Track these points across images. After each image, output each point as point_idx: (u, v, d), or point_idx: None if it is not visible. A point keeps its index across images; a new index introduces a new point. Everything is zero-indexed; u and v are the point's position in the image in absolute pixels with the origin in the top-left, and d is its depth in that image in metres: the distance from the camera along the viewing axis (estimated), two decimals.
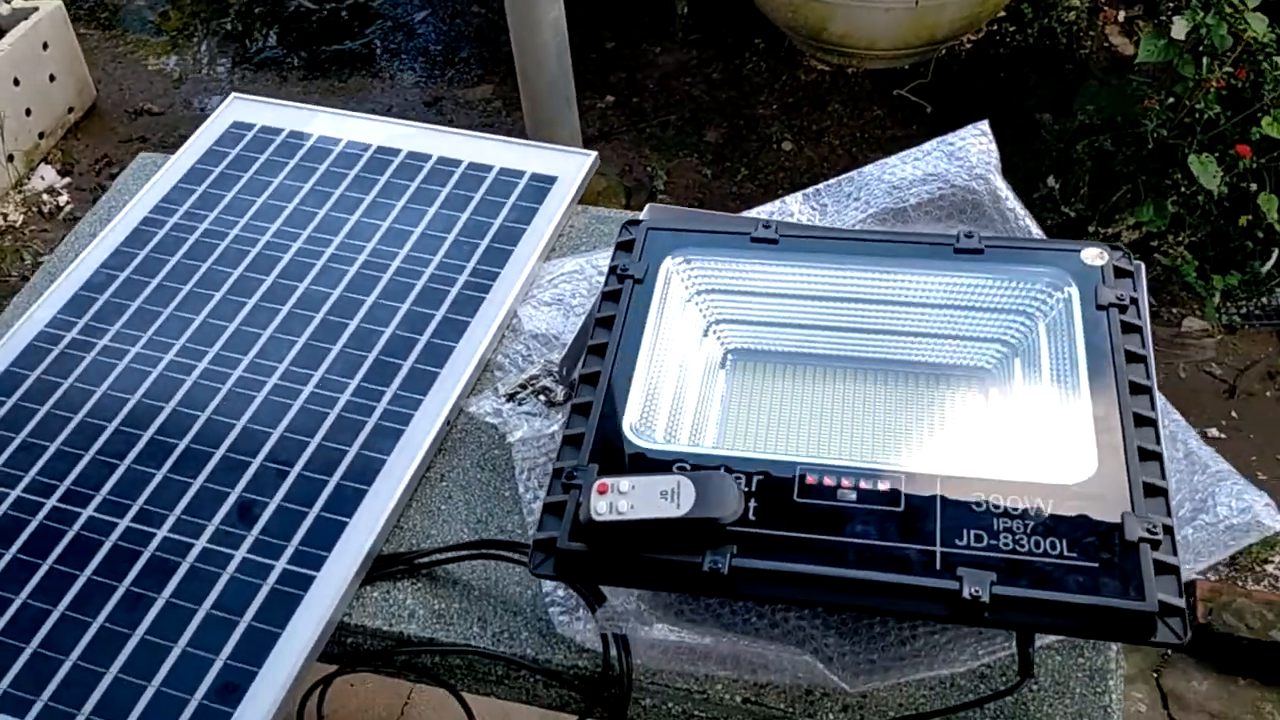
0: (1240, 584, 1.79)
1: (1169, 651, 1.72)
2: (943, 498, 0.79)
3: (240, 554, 0.91)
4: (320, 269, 1.13)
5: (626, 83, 3.07)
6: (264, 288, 1.12)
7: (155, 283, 1.13)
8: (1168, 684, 1.69)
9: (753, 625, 0.84)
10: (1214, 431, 2.09)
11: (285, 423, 1.00)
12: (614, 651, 0.83)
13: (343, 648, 0.90)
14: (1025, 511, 0.78)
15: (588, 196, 1.22)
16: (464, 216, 1.17)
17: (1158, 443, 0.81)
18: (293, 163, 1.24)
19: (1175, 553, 0.76)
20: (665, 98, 3.02)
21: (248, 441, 0.99)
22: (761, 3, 2.92)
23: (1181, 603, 0.73)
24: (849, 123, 2.88)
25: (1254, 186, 2.25)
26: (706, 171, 2.80)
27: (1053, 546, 0.76)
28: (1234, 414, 2.13)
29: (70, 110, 2.94)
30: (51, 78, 2.83)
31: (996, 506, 0.78)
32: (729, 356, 1.01)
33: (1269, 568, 1.83)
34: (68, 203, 2.77)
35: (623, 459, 0.84)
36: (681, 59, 3.13)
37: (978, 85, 2.91)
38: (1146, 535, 0.75)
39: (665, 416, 0.91)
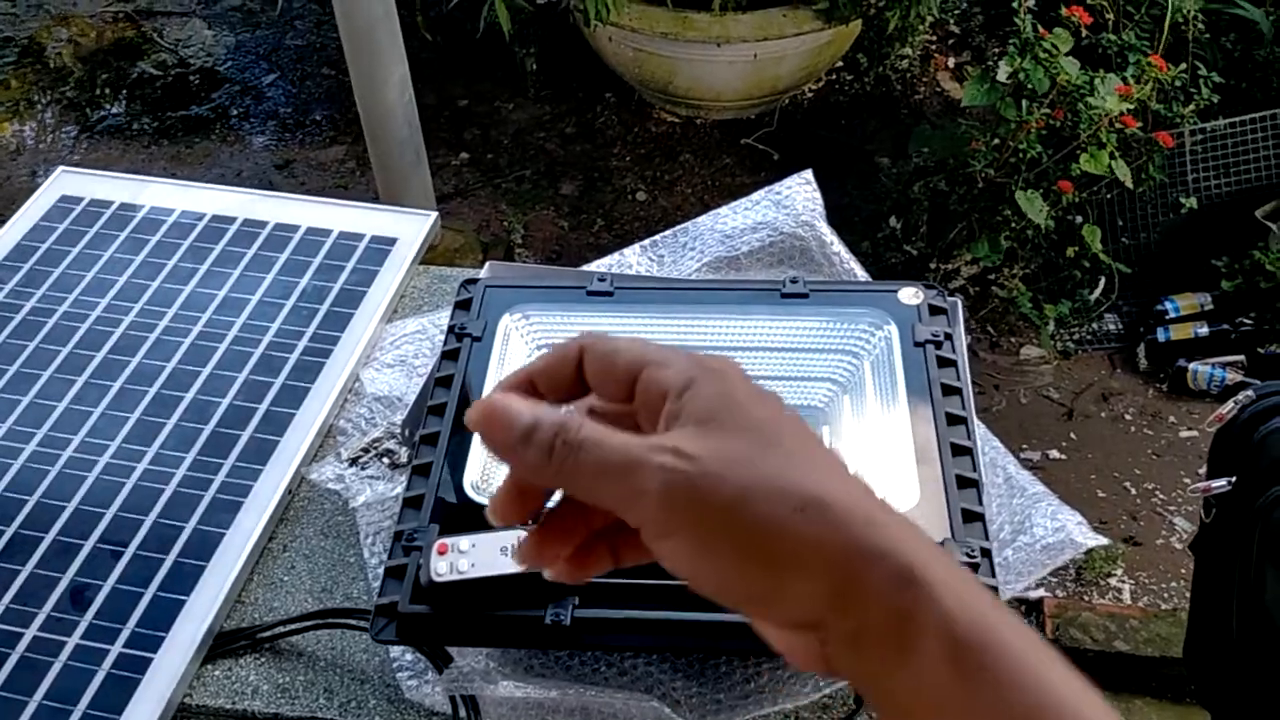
0: (1085, 599, 1.88)
1: None
2: None
3: (74, 640, 0.88)
4: (153, 342, 1.10)
5: (481, 139, 3.10)
6: (94, 364, 1.09)
7: None
8: None
9: (602, 675, 0.85)
10: (1055, 453, 2.20)
11: (119, 502, 0.97)
12: (463, 713, 0.83)
13: None
14: None
15: (443, 254, 1.23)
16: (302, 282, 1.16)
17: (975, 470, 0.86)
18: (123, 235, 1.22)
19: (994, 574, 0.79)
20: (520, 153, 3.05)
21: (79, 524, 0.96)
22: (610, 58, 2.99)
23: None
24: (700, 172, 2.96)
25: (1078, 219, 2.39)
26: (563, 224, 2.83)
27: None
28: (1073, 435, 2.24)
29: None
30: None
31: None
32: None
33: (1111, 581, 1.93)
34: None
35: (465, 518, 0.84)
36: (534, 114, 3.17)
37: (820, 132, 3.03)
38: (965, 559, 0.79)
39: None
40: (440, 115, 3.13)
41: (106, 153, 3.11)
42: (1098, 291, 2.45)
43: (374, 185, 2.51)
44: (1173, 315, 2.42)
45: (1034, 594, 1.82)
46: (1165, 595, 1.91)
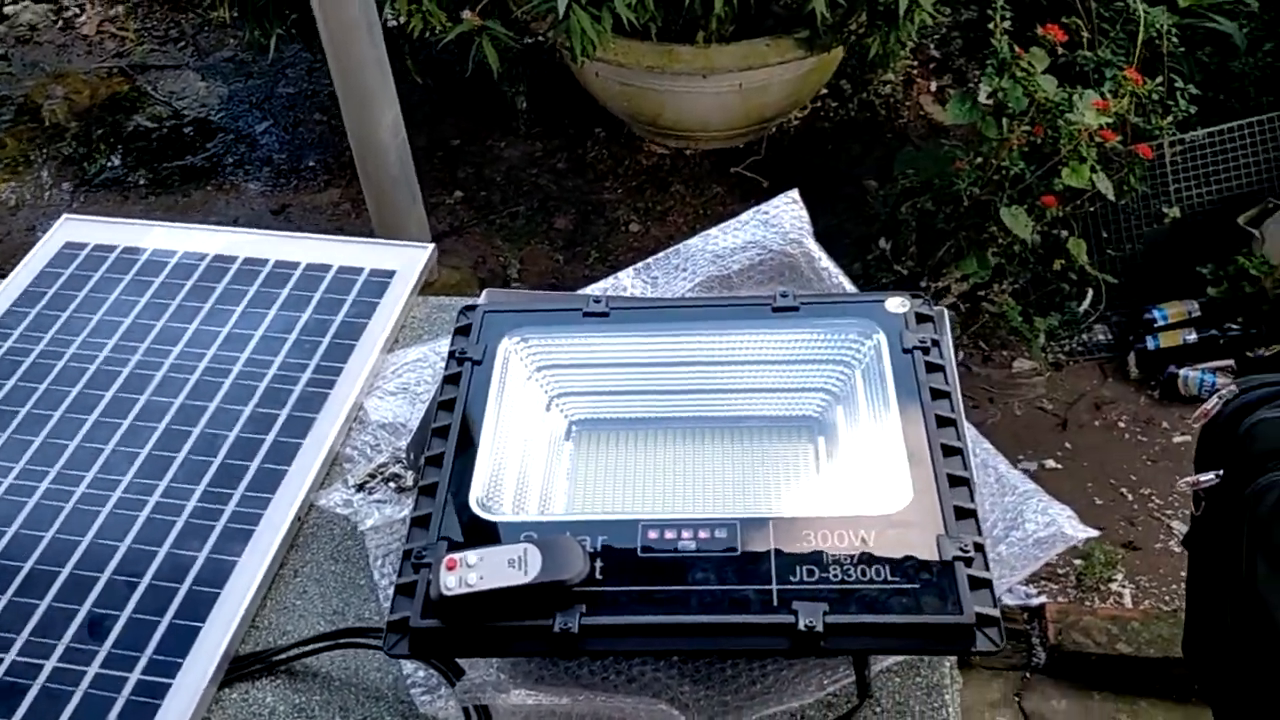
0: (1087, 604, 1.90)
1: (1028, 674, 1.80)
2: (775, 539, 0.84)
3: (93, 669, 0.90)
4: (160, 380, 1.13)
5: (474, 178, 3.14)
6: (103, 403, 1.11)
7: None
8: (1029, 706, 1.77)
9: (610, 682, 0.87)
10: (1051, 463, 2.22)
11: (132, 534, 0.99)
12: None
13: None
14: (851, 543, 0.83)
15: (443, 289, 1.25)
16: (304, 316, 1.19)
17: (965, 469, 0.88)
18: (128, 278, 1.25)
19: (987, 568, 0.82)
20: (513, 189, 3.09)
21: (94, 557, 0.98)
22: (598, 93, 3.04)
23: (996, 613, 0.79)
24: (691, 201, 3.00)
25: (1064, 233, 2.43)
26: (559, 257, 2.87)
27: (877, 573, 0.81)
28: (1068, 445, 2.27)
29: None
30: None
31: (824, 541, 0.83)
32: (573, 427, 1.05)
33: (1112, 585, 1.94)
34: None
35: (472, 534, 0.86)
36: (527, 151, 3.22)
37: (808, 158, 3.07)
38: (960, 554, 0.81)
39: (512, 490, 0.95)
40: (433, 155, 3.17)
41: (104, 206, 3.15)
42: (1086, 303, 2.49)
43: (369, 227, 2.55)
44: (1161, 323, 2.46)
45: (1035, 601, 1.84)
46: (1166, 598, 1.93)
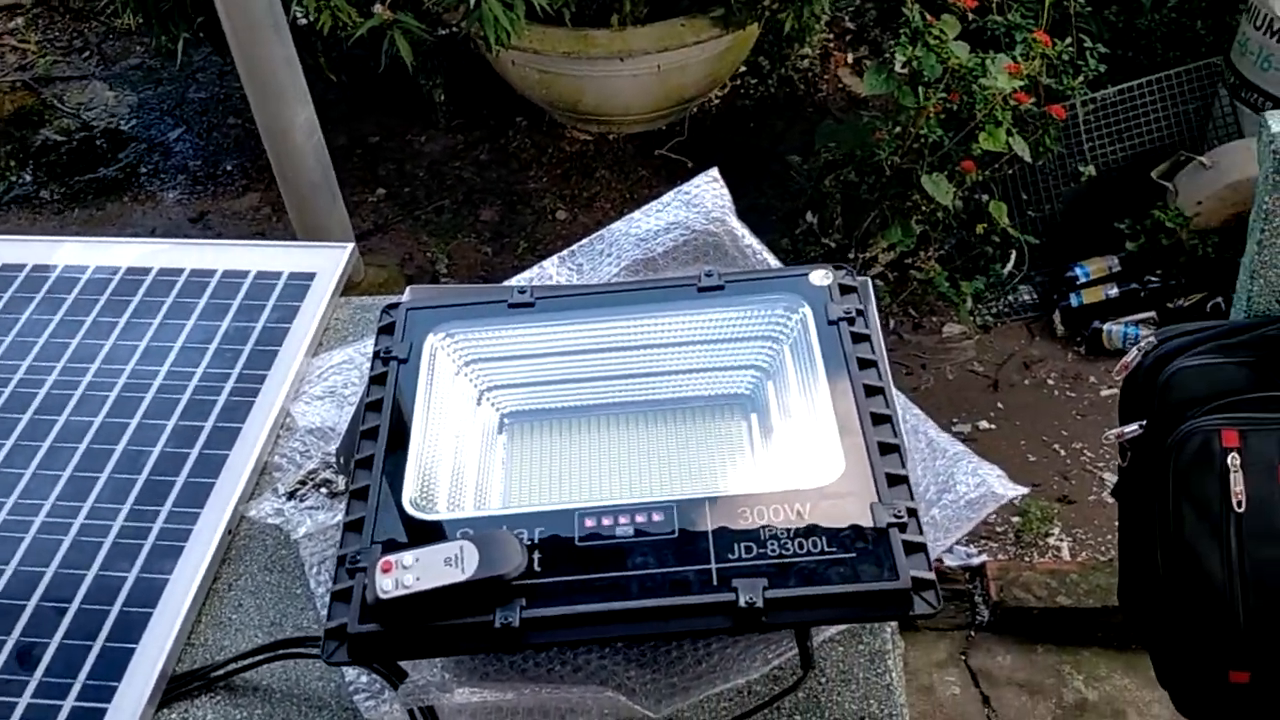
0: (1026, 559, 1.94)
1: (972, 632, 1.83)
2: (712, 518, 0.84)
3: (24, 700, 0.88)
4: (79, 399, 1.10)
5: (396, 174, 3.10)
6: (21, 426, 1.08)
7: None
8: (975, 663, 1.80)
9: (556, 673, 0.86)
10: (984, 424, 2.26)
11: (58, 559, 0.97)
12: None
13: None
14: (787, 517, 0.83)
15: (369, 290, 1.24)
16: (224, 325, 1.16)
17: (895, 435, 0.89)
18: (39, 297, 1.21)
19: (921, 532, 0.83)
20: (437, 184, 3.06)
21: (20, 584, 0.95)
22: (516, 82, 3.01)
23: (932, 576, 0.80)
24: (617, 186, 2.99)
25: (984, 197, 2.46)
26: (486, 250, 2.85)
27: (814, 545, 0.82)
28: (1000, 405, 2.31)
29: None
30: None
31: (761, 517, 0.84)
32: (504, 420, 1.04)
33: (1050, 540, 1.98)
34: None
35: (407, 535, 0.85)
36: (448, 145, 3.18)
37: (731, 137, 3.08)
38: (893, 520, 0.82)
39: (446, 487, 0.94)
40: (353, 154, 3.13)
41: (16, 224, 3.07)
42: (1010, 265, 2.53)
43: (291, 230, 2.51)
44: (1083, 280, 2.50)
45: (976, 560, 1.86)
46: (1102, 549, 1.97)
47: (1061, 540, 1.98)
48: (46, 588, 0.95)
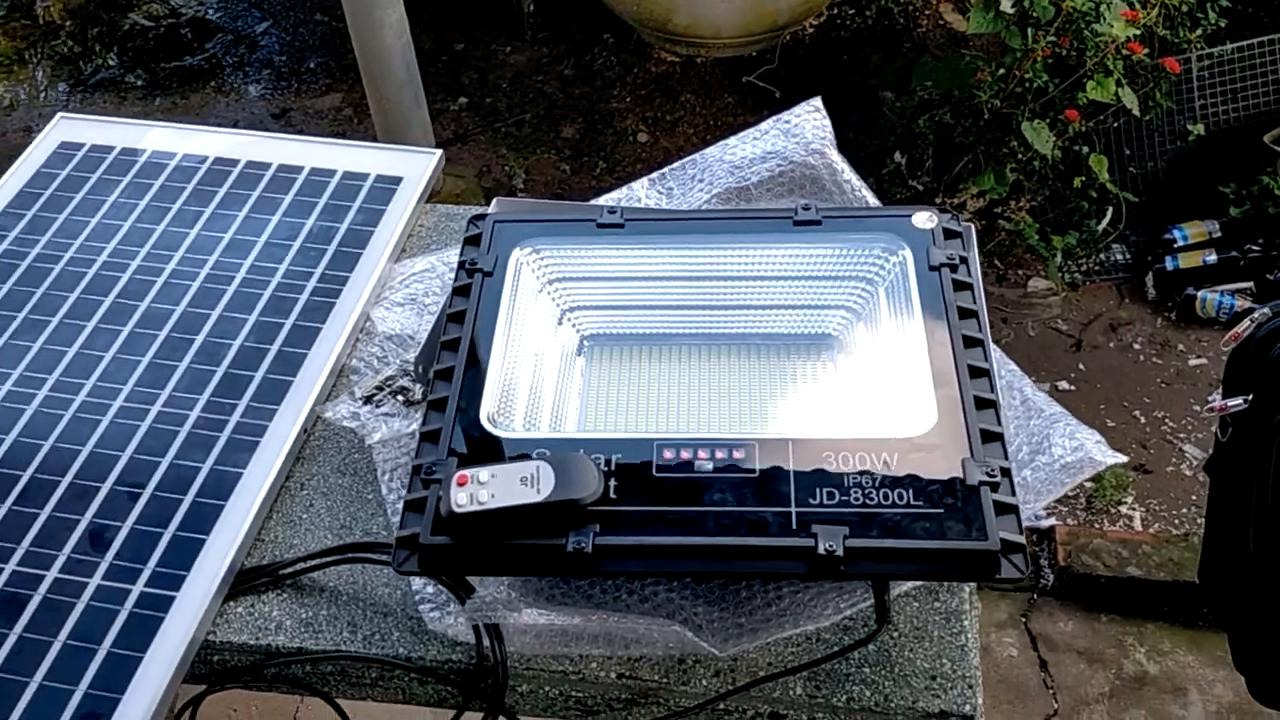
0: (1097, 526, 1.89)
1: (1035, 596, 1.80)
2: (795, 460, 0.81)
3: (95, 581, 0.88)
4: (161, 286, 1.10)
5: (479, 84, 3.06)
6: (103, 309, 1.08)
7: None
8: (1035, 627, 1.77)
9: (622, 601, 0.85)
10: (1064, 384, 2.20)
11: (134, 444, 0.97)
12: (487, 642, 0.83)
13: (210, 666, 0.88)
14: (873, 466, 0.81)
15: (445, 199, 1.21)
16: (309, 223, 1.15)
17: (992, 391, 0.85)
18: (126, 180, 1.21)
19: (1014, 493, 0.79)
20: (519, 97, 3.02)
21: (95, 467, 0.96)
22: None
23: (1022, 539, 0.77)
24: (701, 111, 2.93)
25: (1085, 149, 2.37)
26: (565, 167, 2.81)
27: (900, 497, 0.79)
28: (1081, 366, 2.24)
29: None
30: None
31: (846, 463, 0.81)
32: (585, 343, 1.02)
33: (1122, 509, 1.93)
34: None
35: (482, 451, 0.84)
36: (533, 57, 3.13)
37: (823, 68, 2.99)
38: (985, 479, 0.79)
39: (523, 406, 0.92)
40: (437, 60, 3.09)
41: (101, 107, 3.09)
42: (1105, 222, 2.44)
43: (372, 132, 2.49)
44: (1181, 243, 2.41)
45: (1045, 523, 1.82)
46: (1176, 521, 1.92)
47: (1134, 510, 1.93)
48: (121, 472, 0.95)
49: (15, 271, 1.12)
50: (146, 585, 0.88)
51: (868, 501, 0.79)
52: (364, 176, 1.20)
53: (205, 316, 1.07)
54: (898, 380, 0.89)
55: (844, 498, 0.79)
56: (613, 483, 0.81)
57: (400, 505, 0.92)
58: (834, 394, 0.95)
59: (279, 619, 0.88)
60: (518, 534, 0.78)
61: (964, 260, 0.95)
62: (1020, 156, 2.29)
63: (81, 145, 1.25)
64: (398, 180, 1.19)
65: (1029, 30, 2.20)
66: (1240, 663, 1.10)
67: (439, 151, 1.23)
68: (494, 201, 1.11)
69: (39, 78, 3.26)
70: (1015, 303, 2.36)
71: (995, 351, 0.95)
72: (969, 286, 0.93)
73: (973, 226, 1.00)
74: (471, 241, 1.00)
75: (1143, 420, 2.13)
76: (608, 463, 0.82)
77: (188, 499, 0.93)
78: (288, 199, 1.18)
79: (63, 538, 0.91)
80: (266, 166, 1.21)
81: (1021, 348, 2.25)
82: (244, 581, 0.89)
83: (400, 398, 0.99)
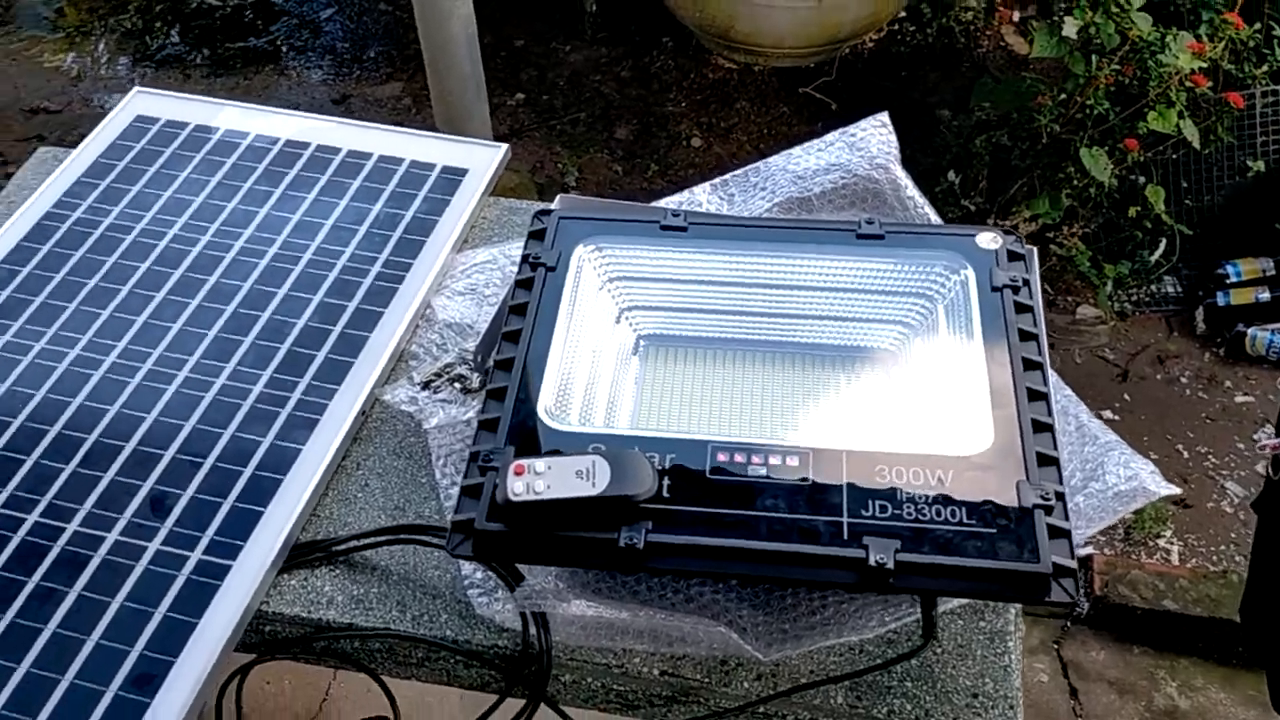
0: (1134, 557, 1.88)
1: (1068, 623, 1.79)
2: (849, 471, 0.82)
3: (154, 546, 0.90)
4: (230, 262, 1.12)
5: (537, 80, 3.08)
6: (172, 281, 1.10)
7: (59, 278, 1.11)
8: (1067, 654, 1.76)
9: (669, 599, 0.86)
10: (1108, 414, 2.18)
11: (197, 415, 0.99)
12: (533, 630, 0.85)
13: (261, 636, 0.90)
14: (927, 482, 0.81)
15: (500, 192, 1.23)
16: (375, 209, 1.17)
17: (1049, 415, 0.86)
18: (199, 156, 1.23)
19: (1067, 518, 0.80)
20: (575, 95, 3.03)
21: (159, 435, 0.98)
22: (670, 1, 2.96)
23: (1074, 564, 0.77)
24: (756, 120, 2.93)
25: (1142, 179, 2.35)
26: (617, 168, 2.83)
27: (953, 514, 0.79)
28: (1126, 396, 2.22)
29: None
30: None
31: (900, 478, 0.81)
32: (641, 342, 1.03)
33: (1160, 541, 1.92)
34: None
35: (538, 442, 0.85)
36: (591, 57, 3.15)
37: (880, 83, 2.98)
38: (1040, 502, 0.79)
39: (580, 400, 0.93)
40: (497, 55, 3.12)
41: (166, 82, 3.13)
42: (1158, 253, 2.42)
43: (430, 123, 2.51)
44: (1234, 279, 2.39)
45: (1083, 550, 1.81)
46: (1214, 558, 1.90)
47: (1172, 544, 1.91)
48: (184, 441, 0.97)
49: (88, 240, 1.15)
50: (204, 553, 0.90)
51: (920, 517, 0.79)
52: (430, 166, 1.21)
53: (271, 294, 1.09)
54: (955, 398, 0.90)
55: (896, 511, 0.80)
56: (666, 481, 0.82)
57: (452, 491, 0.94)
58: (890, 408, 0.95)
59: (331, 594, 0.89)
60: (571, 526, 0.79)
61: (1026, 283, 0.95)
62: (1076, 182, 2.28)
63: (156, 120, 1.28)
64: (463, 172, 1.21)
65: (1092, 57, 2.19)
66: (1278, 702, 1.10)
67: (504, 146, 1.25)
68: (558, 198, 1.13)
69: (103, 50, 3.31)
70: (1063, 329, 2.35)
71: (1052, 375, 0.95)
72: (1030, 309, 0.93)
73: (1034, 250, 1.01)
74: (536, 236, 1.02)
75: (1185, 454, 2.12)
76: (662, 461, 0.83)
77: (247, 471, 0.95)
78: (355, 184, 1.19)
79: (124, 502, 0.93)
80: (336, 151, 1.23)
81: (1068, 374, 2.24)
82: (298, 555, 0.91)
83: (458, 385, 1.01)
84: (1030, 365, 0.89)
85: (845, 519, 0.79)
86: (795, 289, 1.02)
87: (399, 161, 1.22)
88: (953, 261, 0.98)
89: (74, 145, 1.26)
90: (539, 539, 0.80)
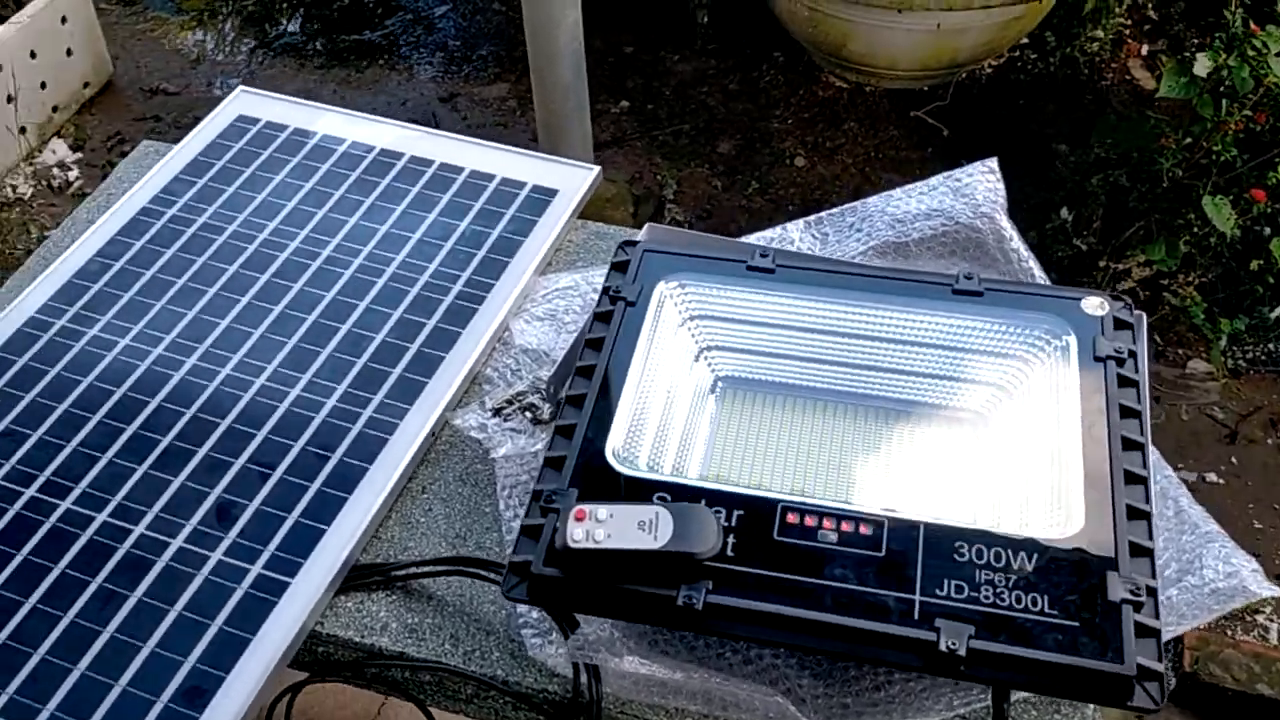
0: (1229, 634, 1.78)
1: None
2: (925, 545, 0.78)
3: (216, 556, 0.90)
4: (316, 270, 1.12)
5: (643, 89, 3.06)
6: (258, 286, 1.11)
7: (149, 274, 1.12)
8: None
9: (726, 661, 0.83)
10: (1212, 476, 2.08)
11: (270, 424, 0.99)
12: (584, 679, 0.82)
13: (313, 656, 0.89)
14: (1008, 564, 0.77)
15: (594, 204, 1.21)
16: (463, 225, 1.16)
17: (1147, 501, 0.80)
18: (295, 160, 1.24)
19: (1157, 615, 0.74)
20: (680, 106, 3.00)
21: (231, 441, 0.98)
22: (783, 16, 2.91)
23: (1160, 667, 0.72)
24: (864, 141, 2.87)
25: (1267, 231, 2.24)
26: (717, 183, 2.79)
27: (1034, 602, 0.75)
28: (1234, 460, 2.11)
29: (85, 85, 2.94)
30: (69, 52, 2.83)
31: (979, 557, 0.77)
32: (719, 384, 1.00)
33: (1259, 618, 1.82)
34: (77, 178, 2.77)
35: (603, 485, 0.83)
36: (699, 68, 3.12)
37: (996, 111, 2.89)
38: (1129, 596, 0.74)
39: (650, 443, 0.90)
40: (605, 60, 3.10)
41: (281, 70, 3.19)
42: (1279, 310, 2.29)
43: (534, 125, 2.51)
44: None
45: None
46: None
47: (1271, 621, 1.81)
48: (255, 450, 0.97)
49: (180, 239, 1.16)
50: (265, 567, 0.89)
51: (998, 601, 0.75)
52: (521, 185, 1.20)
53: (353, 306, 1.08)
54: (1045, 474, 0.85)
55: (973, 593, 0.75)
56: (731, 539, 0.79)
57: (515, 524, 0.92)
58: (974, 477, 0.91)
59: (385, 620, 0.88)
60: (629, 579, 0.77)
61: (1132, 354, 0.90)
62: (1196, 230, 2.17)
63: (257, 120, 1.29)
64: (553, 193, 1.19)
65: (1223, 101, 2.08)
66: None
67: (597, 169, 1.23)
68: (645, 228, 1.10)
69: (226, 33, 3.39)
70: (1171, 382, 2.24)
71: (1153, 454, 0.89)
72: (1134, 384, 0.88)
73: (1144, 316, 0.95)
74: (618, 268, 0.99)
75: None
76: (728, 517, 0.80)
77: (314, 487, 0.94)
78: (445, 199, 1.19)
79: (192, 508, 0.94)
80: (429, 163, 1.22)
81: (1172, 431, 2.14)
82: (356, 577, 0.90)
83: (528, 414, 0.99)
84: (1130, 445, 0.83)
85: (918, 596, 0.76)
86: (882, 341, 0.98)
87: (490, 178, 1.21)
88: (1055, 325, 0.93)
89: (188, 128, 1.28)
90: (595, 589, 0.78)
